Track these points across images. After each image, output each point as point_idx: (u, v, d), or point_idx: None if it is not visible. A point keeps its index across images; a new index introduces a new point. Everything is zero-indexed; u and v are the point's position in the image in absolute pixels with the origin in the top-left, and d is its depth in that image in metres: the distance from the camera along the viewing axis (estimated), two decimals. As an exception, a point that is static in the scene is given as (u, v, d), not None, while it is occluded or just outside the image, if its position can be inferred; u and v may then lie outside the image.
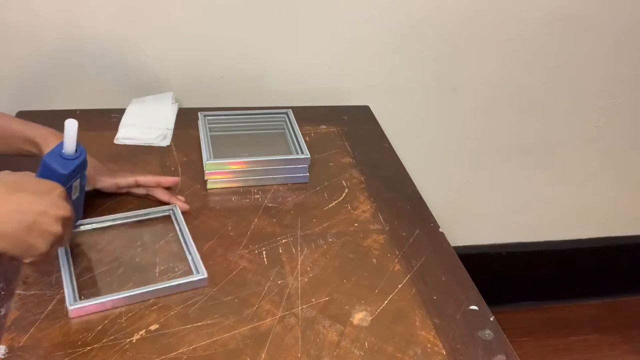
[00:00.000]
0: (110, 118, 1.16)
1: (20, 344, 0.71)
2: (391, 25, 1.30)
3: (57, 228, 0.68)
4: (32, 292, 0.78)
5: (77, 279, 0.80)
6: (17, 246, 0.66)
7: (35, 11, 1.14)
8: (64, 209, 0.69)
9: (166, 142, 1.11)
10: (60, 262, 0.81)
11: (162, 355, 0.71)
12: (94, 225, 0.90)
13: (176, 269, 0.83)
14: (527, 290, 1.83)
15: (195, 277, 0.82)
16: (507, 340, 0.78)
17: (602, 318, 1.84)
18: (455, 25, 1.32)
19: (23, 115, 1.16)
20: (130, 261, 0.85)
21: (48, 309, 0.76)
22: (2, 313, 0.75)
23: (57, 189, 0.71)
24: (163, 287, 0.80)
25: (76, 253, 0.85)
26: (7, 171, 0.79)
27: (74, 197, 0.79)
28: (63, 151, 0.74)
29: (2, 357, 0.69)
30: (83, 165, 0.78)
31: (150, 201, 0.96)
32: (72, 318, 0.75)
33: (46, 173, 0.73)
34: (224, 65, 1.27)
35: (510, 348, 0.77)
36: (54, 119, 1.15)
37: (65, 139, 0.73)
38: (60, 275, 0.80)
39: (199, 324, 0.76)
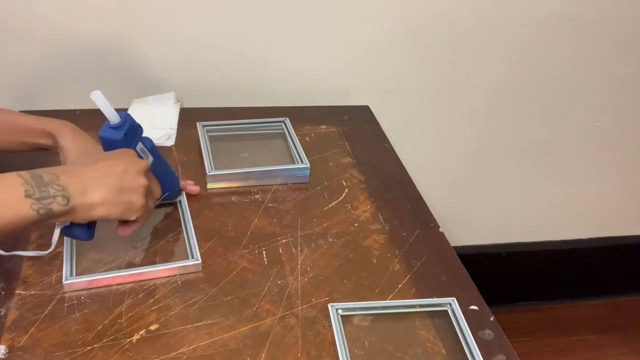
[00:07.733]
0: (111, 118, 1.16)
1: (20, 344, 0.71)
2: (391, 25, 1.30)
3: (142, 180, 0.75)
4: (32, 292, 0.78)
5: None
6: (115, 208, 0.72)
7: (35, 11, 1.14)
8: (141, 163, 0.77)
9: (171, 142, 1.11)
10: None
11: (162, 355, 0.71)
12: None
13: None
14: (527, 290, 1.83)
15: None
16: (507, 340, 0.78)
17: (602, 318, 1.84)
18: (455, 26, 1.32)
19: (23, 115, 1.17)
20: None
21: (48, 309, 0.76)
22: (2, 313, 0.75)
23: (128, 151, 0.78)
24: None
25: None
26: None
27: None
28: (108, 121, 0.79)
29: (2, 357, 0.70)
30: (134, 127, 0.81)
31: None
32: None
33: (107, 146, 0.80)
34: (224, 65, 1.27)
35: (510, 348, 0.77)
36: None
37: (102, 110, 0.77)
38: (60, 275, 0.80)
39: (199, 324, 0.76)
